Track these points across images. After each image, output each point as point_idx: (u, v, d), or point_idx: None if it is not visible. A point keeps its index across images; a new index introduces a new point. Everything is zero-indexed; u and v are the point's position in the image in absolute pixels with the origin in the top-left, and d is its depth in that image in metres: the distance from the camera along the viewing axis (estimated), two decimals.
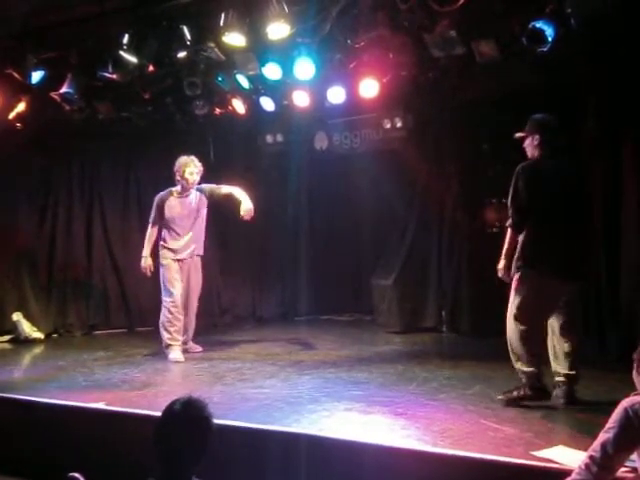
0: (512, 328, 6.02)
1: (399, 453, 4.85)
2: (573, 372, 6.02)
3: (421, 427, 5.35)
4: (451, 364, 7.82)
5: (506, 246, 6.23)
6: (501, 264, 6.24)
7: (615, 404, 3.79)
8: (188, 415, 3.43)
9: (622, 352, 7.15)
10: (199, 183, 8.99)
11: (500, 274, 6.27)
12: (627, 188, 7.77)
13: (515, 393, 5.96)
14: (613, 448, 3.66)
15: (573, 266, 6.04)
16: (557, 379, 6.07)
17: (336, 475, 4.90)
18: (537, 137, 6.20)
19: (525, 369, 5.96)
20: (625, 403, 3.72)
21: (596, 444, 3.73)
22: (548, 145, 6.17)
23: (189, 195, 8.94)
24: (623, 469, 3.87)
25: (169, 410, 3.46)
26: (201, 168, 8.97)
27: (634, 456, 3.82)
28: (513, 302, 6.03)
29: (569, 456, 4.37)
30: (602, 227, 8.09)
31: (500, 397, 6.01)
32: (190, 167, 8.87)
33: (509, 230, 6.20)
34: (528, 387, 5.94)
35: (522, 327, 5.95)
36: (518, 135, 6.39)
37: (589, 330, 8.40)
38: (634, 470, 3.90)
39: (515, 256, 6.09)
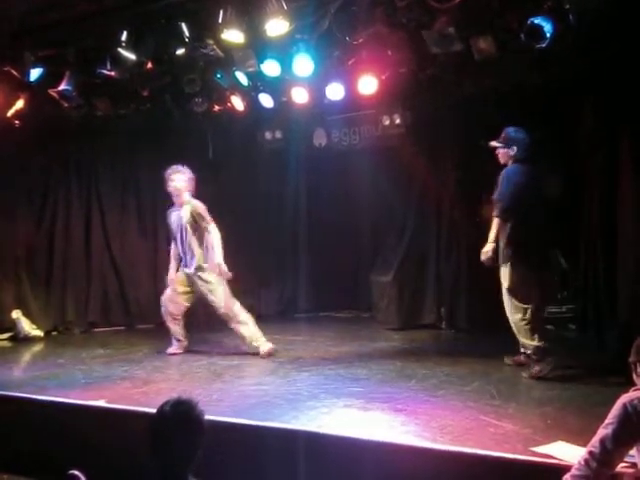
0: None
1: (398, 449, 4.86)
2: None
3: (420, 423, 5.36)
4: (450, 361, 7.83)
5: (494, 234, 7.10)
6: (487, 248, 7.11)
7: (613, 400, 3.81)
8: (178, 416, 3.45)
9: (620, 349, 7.17)
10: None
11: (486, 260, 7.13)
12: (624, 184, 7.77)
13: (537, 368, 6.85)
14: (612, 444, 3.68)
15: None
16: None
17: (335, 472, 4.91)
18: (514, 149, 7.13)
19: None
20: (624, 399, 3.73)
21: (595, 440, 3.74)
22: (521, 156, 7.11)
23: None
24: (622, 464, 3.88)
25: (160, 412, 3.49)
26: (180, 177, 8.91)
27: (633, 451, 3.83)
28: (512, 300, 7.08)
29: (568, 452, 4.39)
30: (599, 224, 8.11)
31: (525, 374, 6.93)
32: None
33: (496, 220, 7.07)
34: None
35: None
36: (493, 144, 7.27)
37: (587, 327, 8.44)
38: (633, 465, 3.92)
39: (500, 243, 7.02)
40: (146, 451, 3.43)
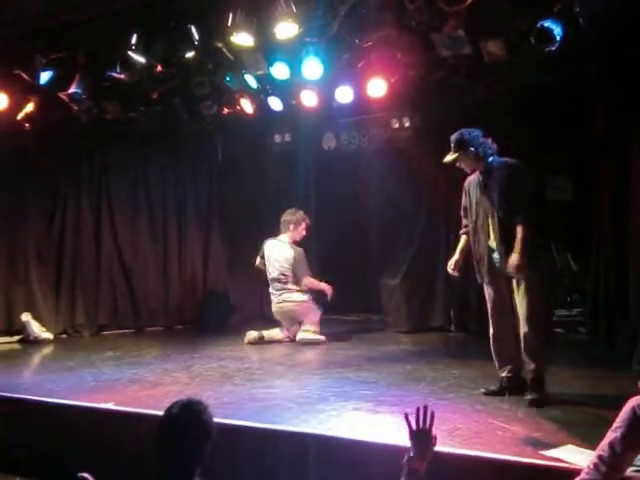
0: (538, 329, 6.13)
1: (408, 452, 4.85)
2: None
3: None
4: (459, 363, 7.82)
5: (526, 243, 5.94)
6: (521, 260, 5.96)
7: (623, 403, 3.79)
8: (186, 418, 3.44)
9: (630, 351, 7.14)
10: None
11: (518, 271, 6.02)
12: (635, 186, 7.76)
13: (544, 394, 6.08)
14: (621, 447, 3.66)
15: None
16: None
17: (345, 474, 4.90)
18: (472, 149, 6.30)
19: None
20: (633, 402, 3.72)
21: (604, 443, 3.73)
22: (487, 151, 6.29)
23: None
24: (632, 468, 3.87)
25: (168, 413, 3.48)
26: None
27: None
28: (540, 297, 6.15)
29: (578, 455, 4.37)
30: (610, 226, 8.09)
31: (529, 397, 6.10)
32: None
33: (526, 227, 5.96)
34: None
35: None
36: (447, 159, 6.51)
37: (598, 330, 8.41)
38: None
39: (524, 254, 5.92)
40: (154, 453, 3.43)
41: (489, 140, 6.37)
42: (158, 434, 3.43)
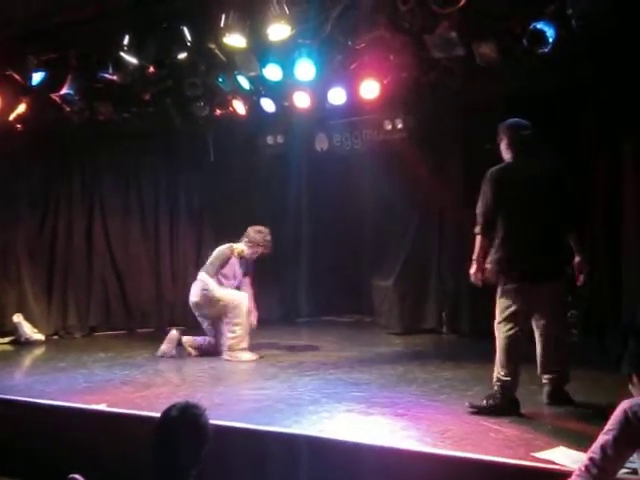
0: (496, 335, 5.92)
1: (400, 454, 4.85)
2: (556, 373, 5.97)
3: (422, 428, 5.35)
4: (451, 365, 7.82)
5: (477, 252, 6.11)
6: (473, 269, 6.11)
7: (614, 405, 3.80)
8: (184, 421, 3.44)
9: (622, 353, 7.15)
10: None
11: (473, 279, 6.14)
12: (627, 188, 7.78)
13: (484, 402, 5.79)
14: (612, 450, 3.66)
15: (547, 268, 5.92)
16: (542, 381, 6.03)
17: (337, 476, 4.90)
18: (504, 140, 6.16)
19: (503, 378, 5.82)
20: (624, 405, 3.72)
21: (596, 446, 3.73)
22: (518, 146, 6.09)
23: None
24: (623, 470, 3.87)
25: (166, 415, 3.47)
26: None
27: (634, 457, 3.82)
28: (497, 308, 5.97)
29: (570, 457, 4.37)
30: (603, 227, 8.10)
31: (466, 405, 5.83)
32: None
33: (478, 237, 6.16)
34: (499, 397, 5.78)
35: (505, 334, 5.85)
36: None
37: (588, 331, 8.42)
38: (634, 472, 3.91)
39: (490, 261, 6.03)
40: (147, 455, 3.42)
41: (531, 138, 6.17)
42: (155, 437, 3.43)
